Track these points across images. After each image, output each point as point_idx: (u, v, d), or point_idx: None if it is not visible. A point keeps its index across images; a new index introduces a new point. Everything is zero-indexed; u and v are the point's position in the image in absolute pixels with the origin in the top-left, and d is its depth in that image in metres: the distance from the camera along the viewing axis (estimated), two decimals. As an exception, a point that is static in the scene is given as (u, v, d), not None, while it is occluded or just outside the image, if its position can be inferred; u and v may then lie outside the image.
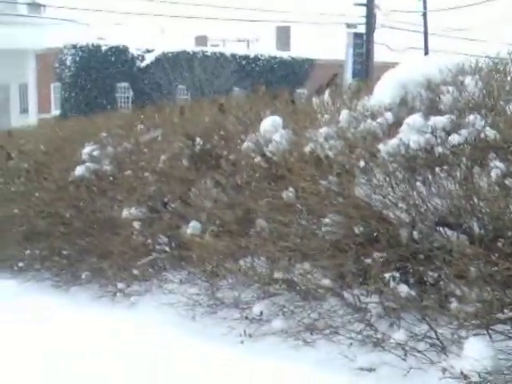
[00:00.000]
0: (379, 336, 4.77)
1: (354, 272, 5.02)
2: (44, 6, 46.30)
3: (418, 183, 4.62)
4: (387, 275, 4.66)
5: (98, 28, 44.72)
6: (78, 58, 40.44)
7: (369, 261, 4.80)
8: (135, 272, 7.26)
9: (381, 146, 4.81)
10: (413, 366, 4.47)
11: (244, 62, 42.89)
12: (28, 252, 9.05)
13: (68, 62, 40.50)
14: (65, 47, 40.64)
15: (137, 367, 5.32)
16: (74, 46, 40.44)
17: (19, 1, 46.05)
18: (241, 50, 46.06)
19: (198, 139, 6.98)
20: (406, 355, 4.56)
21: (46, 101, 43.92)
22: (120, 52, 41.22)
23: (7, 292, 8.33)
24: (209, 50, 43.67)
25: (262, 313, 5.63)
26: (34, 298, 7.80)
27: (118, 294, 7.42)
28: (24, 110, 45.51)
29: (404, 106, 5.10)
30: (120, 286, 7.40)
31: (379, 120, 5.06)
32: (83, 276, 8.05)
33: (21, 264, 9.18)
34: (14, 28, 43.82)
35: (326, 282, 5.15)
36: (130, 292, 7.30)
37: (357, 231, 4.89)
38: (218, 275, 6.17)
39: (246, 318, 5.72)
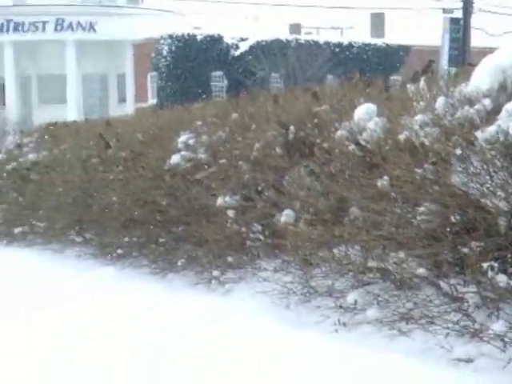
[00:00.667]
0: (477, 327, 4.69)
1: (450, 261, 4.94)
2: (141, -4, 47.15)
3: (518, 171, 4.50)
4: (485, 265, 4.57)
5: (194, 17, 45.25)
6: (173, 48, 41.01)
7: (466, 250, 4.72)
8: (230, 260, 7.33)
9: (478, 134, 4.71)
10: (512, 358, 4.38)
11: (338, 50, 42.65)
12: (126, 239, 9.23)
13: (164, 52, 41.13)
14: (161, 37, 41.27)
15: (237, 354, 5.37)
16: (170, 36, 41.02)
17: (118, -7, 47.02)
18: (335, 37, 45.84)
19: (291, 127, 6.99)
20: (505, 346, 4.46)
21: (143, 90, 44.74)
22: (215, 41, 41.60)
23: (107, 277, 8.54)
24: (302, 37, 43.63)
25: (356, 302, 5.60)
26: (133, 284, 7.97)
27: (213, 281, 7.50)
28: (122, 100, 46.50)
29: (503, 92, 4.98)
30: (215, 273, 7.48)
31: (477, 107, 4.96)
32: (179, 263, 8.17)
33: (119, 251, 9.38)
34: (113, 19, 44.80)
35: (422, 270, 5.09)
36: (224, 279, 7.37)
37: (453, 220, 4.81)
38: (311, 264, 6.17)
39: (340, 306, 5.70)
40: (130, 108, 41.45)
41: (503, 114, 4.63)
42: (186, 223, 8.09)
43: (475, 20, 31.33)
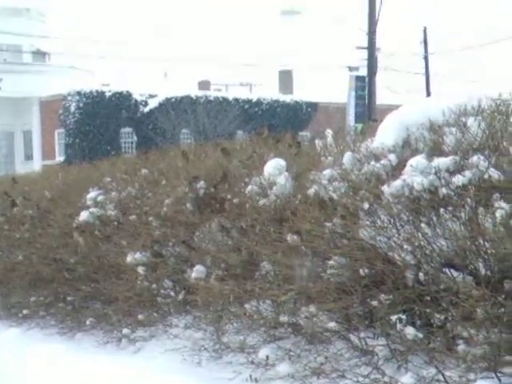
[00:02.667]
0: (387, 379, 4.72)
1: (360, 314, 4.98)
2: (48, 53, 46.81)
3: (423, 224, 4.60)
4: (394, 317, 4.63)
5: (102, 74, 45.15)
6: (82, 105, 40.77)
7: (375, 303, 4.77)
8: (140, 317, 7.22)
9: (385, 188, 4.81)
10: (421, 410, 4.42)
11: (247, 106, 43.19)
12: (33, 299, 9.01)
13: (72, 109, 40.83)
14: (69, 94, 41.01)
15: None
16: (78, 93, 40.80)
17: (24, 50, 46.57)
18: (244, 94, 46.42)
19: (201, 183, 6.99)
20: (414, 399, 4.50)
21: (51, 147, 44.17)
22: (123, 97, 41.56)
23: (11, 340, 8.28)
24: (212, 94, 44.02)
25: (267, 357, 5.58)
26: (39, 346, 7.74)
27: (123, 339, 7.37)
28: (28, 157, 45.76)
29: (407, 148, 5.11)
30: (125, 331, 7.36)
31: (383, 162, 5.07)
32: (88, 322, 8.00)
33: (25, 311, 9.14)
34: (19, 76, 44.27)
35: (332, 324, 5.12)
36: (135, 337, 7.26)
37: (362, 273, 4.87)
38: (222, 319, 6.13)
39: (252, 362, 5.67)
40: (37, 165, 40.78)
41: (408, 168, 4.74)
42: (95, 281, 7.95)
43: (380, 78, 32.25)
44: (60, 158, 41.38)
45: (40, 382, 6.35)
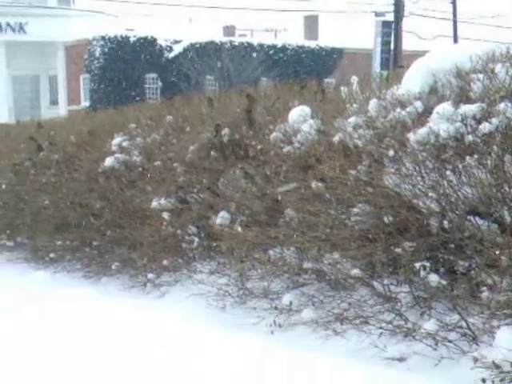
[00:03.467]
0: (410, 326, 4.76)
1: (383, 262, 5.00)
2: (73, -3, 46.56)
3: (448, 172, 4.59)
4: (417, 265, 4.64)
5: (127, 19, 44.88)
6: (106, 50, 40.63)
7: (399, 250, 4.78)
8: (165, 262, 7.29)
9: (410, 135, 4.78)
10: (444, 356, 4.45)
11: (272, 52, 42.81)
12: (59, 243, 9.12)
13: (97, 54, 40.71)
14: (94, 39, 40.85)
15: (168, 359, 5.35)
16: (103, 38, 40.63)
17: (49, -7, 46.34)
18: (268, 39, 45.98)
19: (226, 130, 6.99)
20: (436, 345, 4.54)
21: (76, 92, 44.18)
22: (148, 43, 41.34)
23: (39, 283, 8.40)
24: (236, 40, 43.65)
25: (291, 303, 5.63)
26: (66, 289, 7.85)
27: (148, 284, 7.46)
28: (54, 102, 45.85)
29: (434, 95, 5.07)
30: (150, 276, 7.44)
31: (408, 109, 5.04)
32: (113, 266, 8.10)
33: (52, 255, 9.25)
34: (44, 20, 44.14)
35: (356, 271, 5.14)
36: (160, 282, 7.34)
37: (386, 221, 4.88)
38: (246, 265, 6.18)
39: (276, 308, 5.73)
40: (62, 110, 40.88)
41: (434, 116, 4.71)
42: (120, 226, 8.03)
43: (406, 24, 31.83)
44: (85, 103, 41.42)
45: (67, 325, 6.45)
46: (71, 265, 8.99)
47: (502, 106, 4.46)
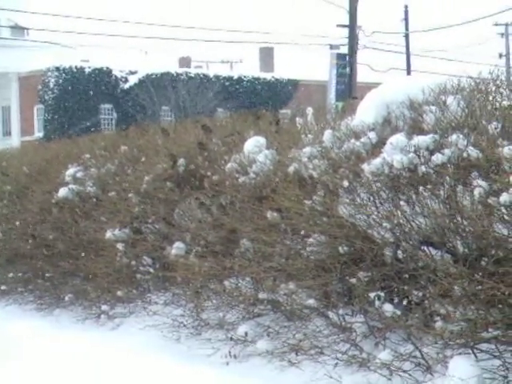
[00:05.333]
0: (364, 356, 4.76)
1: (338, 292, 5.01)
2: (27, 29, 46.29)
3: (402, 202, 4.62)
4: (372, 294, 4.66)
5: (82, 50, 44.71)
6: (61, 81, 40.42)
7: (354, 280, 4.80)
8: (119, 294, 7.22)
9: (364, 166, 4.82)
10: (398, 386, 4.46)
11: (227, 83, 43.00)
12: (11, 275, 8.99)
13: (51, 85, 40.48)
14: (48, 70, 40.64)
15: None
16: (58, 69, 40.45)
17: (2, 24, 46.01)
18: (224, 71, 46.21)
19: (181, 160, 6.98)
20: (391, 375, 4.54)
21: (29, 123, 43.80)
22: (103, 74, 41.25)
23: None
24: (192, 71, 43.77)
25: (246, 334, 5.61)
26: (17, 322, 7.72)
27: (102, 316, 7.37)
28: (7, 133, 45.36)
29: (387, 126, 5.12)
30: (104, 307, 7.36)
31: (362, 140, 5.08)
32: (66, 298, 8.00)
33: (3, 287, 9.11)
34: (-3, 51, 43.75)
35: (311, 301, 5.14)
36: (114, 314, 7.26)
37: (341, 251, 4.89)
38: (202, 296, 6.14)
39: (231, 338, 5.69)
40: (15, 141, 40.44)
41: (388, 146, 4.75)
42: (73, 257, 7.94)
43: (361, 56, 32.22)
44: (39, 133, 41.07)
45: (20, 357, 6.34)
46: (23, 297, 8.86)
47: (454, 137, 4.52)
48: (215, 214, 6.23)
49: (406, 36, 36.89)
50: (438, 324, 4.28)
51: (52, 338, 6.74)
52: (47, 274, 8.38)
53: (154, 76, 41.15)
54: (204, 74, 43.12)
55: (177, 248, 6.47)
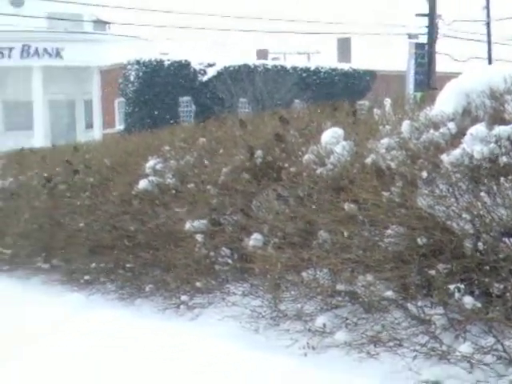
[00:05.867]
0: (444, 349, 4.71)
1: (417, 283, 4.97)
2: (109, 23, 47.16)
3: (483, 193, 4.56)
4: (452, 287, 4.60)
5: (161, 43, 45.31)
6: (141, 74, 41.01)
7: (433, 272, 4.75)
8: (198, 284, 7.30)
9: (444, 157, 4.77)
10: (479, 380, 4.40)
11: (305, 75, 42.92)
12: (93, 265, 9.17)
13: (132, 78, 41.11)
14: (128, 63, 41.28)
15: (206, 380, 5.34)
16: (138, 62, 41.05)
17: (85, 19, 46.98)
18: (301, 62, 46.14)
19: (258, 152, 7.01)
20: (472, 368, 4.49)
21: (111, 116, 44.64)
22: (182, 67, 41.68)
23: (75, 305, 8.45)
24: (270, 63, 43.87)
25: (324, 325, 5.61)
26: (101, 310, 7.89)
27: (181, 306, 7.47)
28: (89, 126, 46.35)
29: (467, 116, 5.05)
30: (183, 298, 7.45)
31: (442, 130, 5.02)
32: (147, 288, 8.12)
33: (87, 277, 9.31)
34: (79, 45, 44.75)
35: (389, 293, 5.11)
36: (193, 304, 7.35)
37: (420, 242, 4.85)
38: (280, 287, 6.17)
39: (309, 330, 5.70)
40: (97, 134, 41.30)
41: (467, 137, 4.69)
42: (153, 248, 8.06)
43: (440, 45, 31.76)
44: (120, 126, 41.79)
45: (103, 345, 6.49)
46: (105, 287, 9.03)
47: (536, 126, 4.43)
48: (292, 205, 6.25)
49: (488, 24, 36.13)
50: (520, 317, 4.21)
51: (134, 326, 6.87)
52: (128, 265, 8.52)
53: (231, 68, 41.38)
54: (281, 66, 43.16)
55: (255, 239, 6.51)
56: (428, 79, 29.44)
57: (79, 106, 47.88)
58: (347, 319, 5.54)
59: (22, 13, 39.47)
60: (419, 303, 4.97)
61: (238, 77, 40.08)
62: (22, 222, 11.14)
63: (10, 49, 45.30)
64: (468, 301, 4.54)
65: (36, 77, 45.69)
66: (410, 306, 5.03)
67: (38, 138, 42.47)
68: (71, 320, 7.62)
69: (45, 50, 45.54)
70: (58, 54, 45.62)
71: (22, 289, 10.17)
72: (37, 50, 45.42)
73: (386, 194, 5.09)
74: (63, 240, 9.95)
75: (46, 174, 11.15)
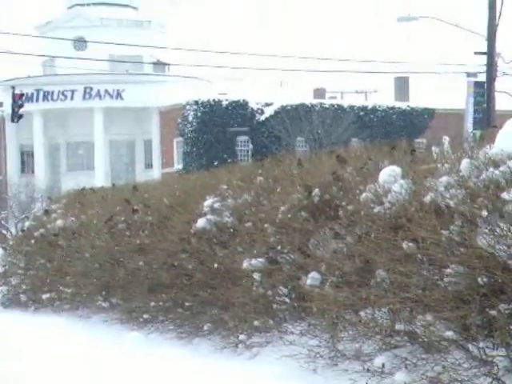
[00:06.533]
0: (507, 391, 4.62)
1: (478, 324, 4.89)
2: (168, 64, 47.98)
3: (544, 232, 4.48)
4: (514, 327, 4.52)
5: (219, 83, 45.86)
6: (199, 114, 41.55)
7: (494, 312, 4.67)
8: (256, 323, 7.29)
9: (504, 195, 4.71)
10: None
11: (362, 113, 42.95)
12: (153, 304, 9.22)
13: (190, 118, 41.67)
14: (187, 103, 41.88)
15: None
16: (196, 102, 41.60)
17: (145, 61, 47.90)
18: (359, 101, 46.20)
19: (316, 190, 7.01)
20: (535, 411, 4.38)
21: (169, 155, 45.19)
22: (240, 106, 42.10)
23: (134, 343, 8.50)
24: (327, 102, 44.04)
25: (383, 365, 5.54)
26: (159, 349, 7.91)
27: (239, 345, 7.46)
28: (148, 165, 47.01)
29: (528, 154, 4.99)
30: (241, 337, 7.44)
31: (502, 168, 4.97)
32: (205, 327, 8.14)
33: (146, 316, 9.37)
34: (140, 86, 45.61)
35: (450, 333, 5.04)
36: (251, 343, 7.33)
37: (481, 282, 4.78)
38: (338, 327, 6.12)
39: (368, 370, 5.64)
40: (156, 173, 41.87)
41: (528, 175, 4.63)
42: (211, 287, 8.08)
43: (499, 83, 31.44)
44: (178, 165, 42.28)
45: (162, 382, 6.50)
46: (164, 325, 9.07)
47: None
48: (350, 244, 6.22)
49: (548, 61, 35.66)
50: None
51: (193, 365, 6.87)
52: (186, 303, 8.56)
53: (288, 107, 41.64)
54: (338, 105, 43.28)
55: (312, 278, 6.49)
56: (487, 117, 29.16)
57: (139, 146, 48.64)
58: (406, 359, 5.47)
59: (85, 56, 40.44)
60: (481, 344, 4.89)
61: (295, 116, 40.30)
62: (83, 261, 11.28)
63: (73, 91, 46.42)
64: (531, 342, 4.46)
65: (97, 118, 46.66)
66: (471, 346, 4.95)
67: (99, 177, 43.23)
68: (133, 356, 7.65)
69: (106, 91, 46.53)
70: (118, 96, 46.57)
71: (81, 328, 10.25)
72: (98, 91, 46.44)
73: (445, 232, 5.05)
74: (123, 278, 10.04)
75: (106, 214, 11.31)
